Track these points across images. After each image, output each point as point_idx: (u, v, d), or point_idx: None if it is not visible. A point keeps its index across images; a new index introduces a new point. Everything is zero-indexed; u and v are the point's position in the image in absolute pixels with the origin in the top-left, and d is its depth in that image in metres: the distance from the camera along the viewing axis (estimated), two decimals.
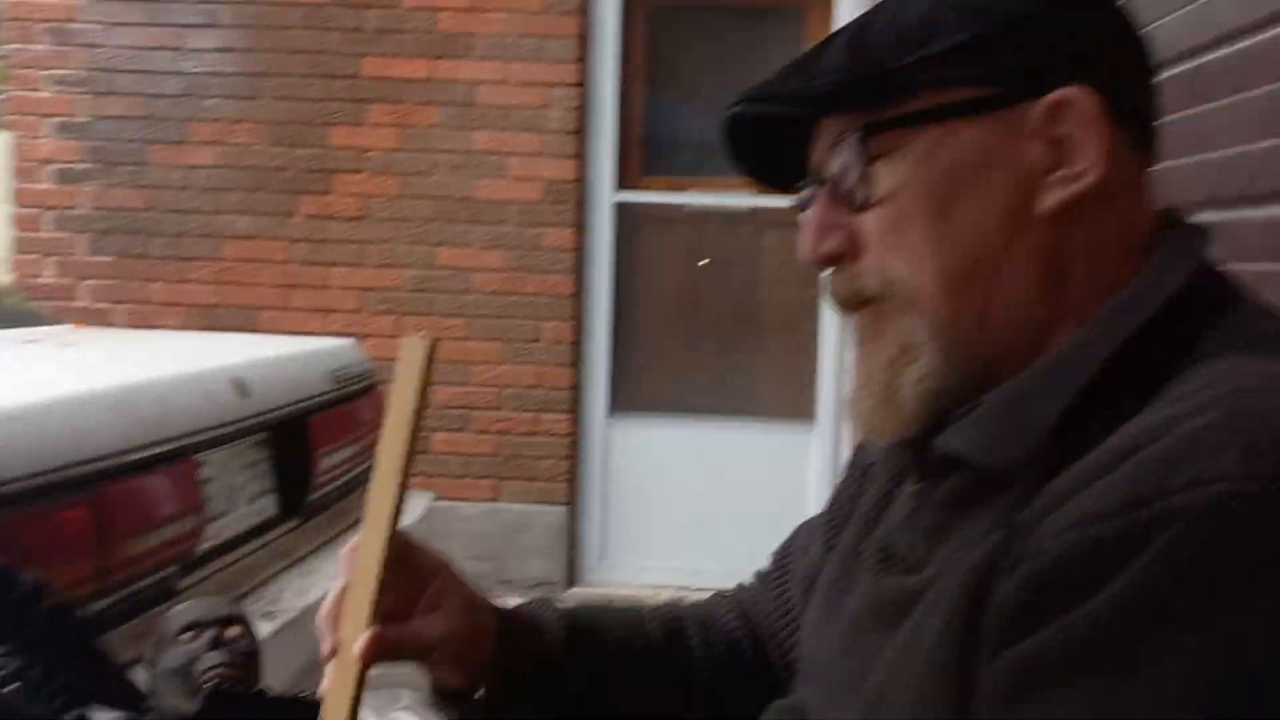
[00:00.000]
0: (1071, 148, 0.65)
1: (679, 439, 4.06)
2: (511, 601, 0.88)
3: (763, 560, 1.00)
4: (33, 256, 4.00)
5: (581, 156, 3.94)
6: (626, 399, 4.10)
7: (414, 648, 0.77)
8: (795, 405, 4.01)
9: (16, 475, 1.41)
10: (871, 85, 0.66)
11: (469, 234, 3.93)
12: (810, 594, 0.86)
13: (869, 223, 0.68)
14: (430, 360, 0.69)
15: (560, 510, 3.99)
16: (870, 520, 0.80)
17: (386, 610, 0.71)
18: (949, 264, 0.66)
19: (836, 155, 0.69)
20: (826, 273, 0.72)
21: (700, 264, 4.06)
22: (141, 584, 1.66)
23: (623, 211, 4.01)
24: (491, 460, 3.97)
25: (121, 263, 4.00)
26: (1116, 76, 0.66)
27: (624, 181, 4.01)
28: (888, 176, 0.67)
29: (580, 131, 3.92)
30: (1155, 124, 0.69)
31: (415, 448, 0.68)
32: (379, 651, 0.70)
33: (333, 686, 0.68)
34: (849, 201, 0.69)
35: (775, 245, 4.02)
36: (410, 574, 0.78)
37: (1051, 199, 0.65)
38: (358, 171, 3.93)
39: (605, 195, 4.00)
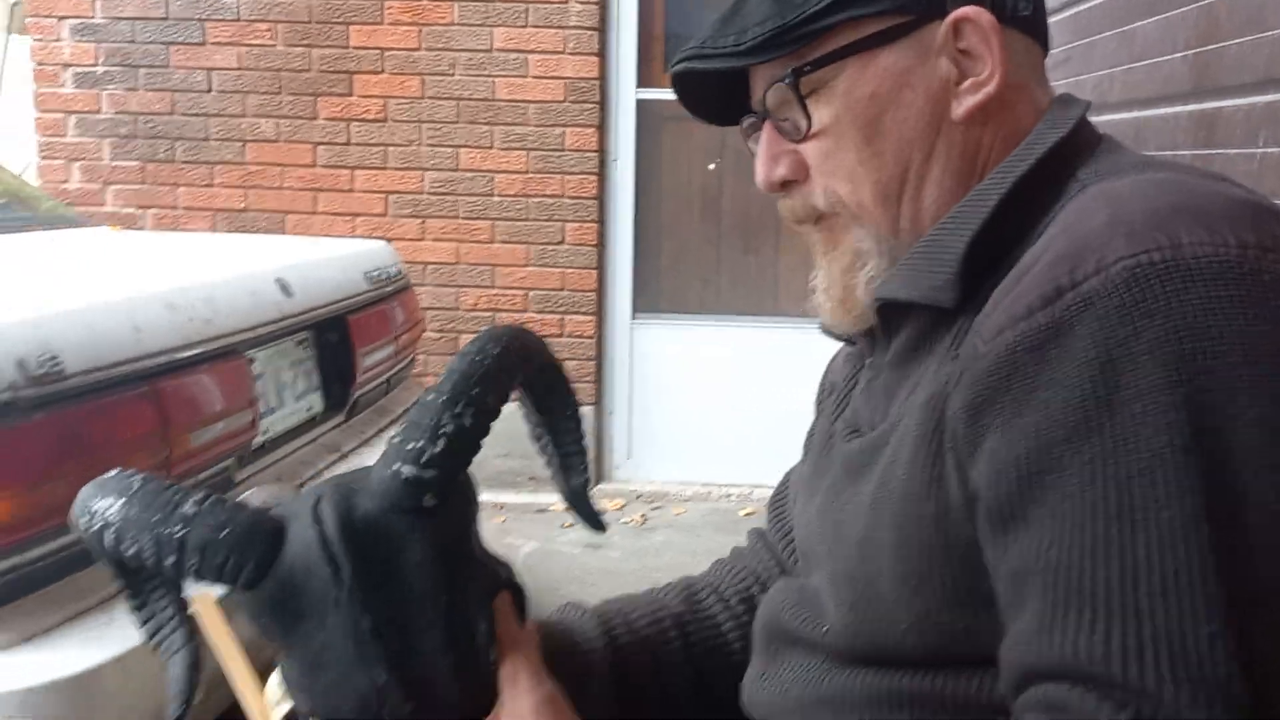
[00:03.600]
0: (975, 58, 0.75)
1: (703, 339, 4.08)
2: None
3: (785, 457, 1.05)
4: (58, 162, 3.99)
5: (602, 53, 3.89)
6: (650, 300, 4.12)
7: None
8: None
9: (81, 369, 1.45)
10: (791, 32, 0.75)
11: (490, 135, 3.90)
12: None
13: (810, 151, 0.79)
14: (219, 606, 0.75)
15: (587, 410, 4.05)
16: (836, 411, 0.89)
17: None
18: (882, 178, 0.76)
19: (772, 97, 0.78)
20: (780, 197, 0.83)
21: (710, 166, 4.03)
22: (202, 476, 1.71)
23: (645, 110, 3.97)
24: None
25: (147, 168, 3.99)
26: None
27: (646, 79, 3.96)
28: (819, 110, 0.77)
29: (601, 27, 3.86)
30: (1041, 21, 0.80)
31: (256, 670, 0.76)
32: None
33: None
34: (789, 135, 0.79)
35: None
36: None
37: (964, 105, 0.75)
38: (378, 72, 3.89)
39: (627, 93, 3.95)
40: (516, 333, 0.73)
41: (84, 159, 3.99)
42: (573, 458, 0.81)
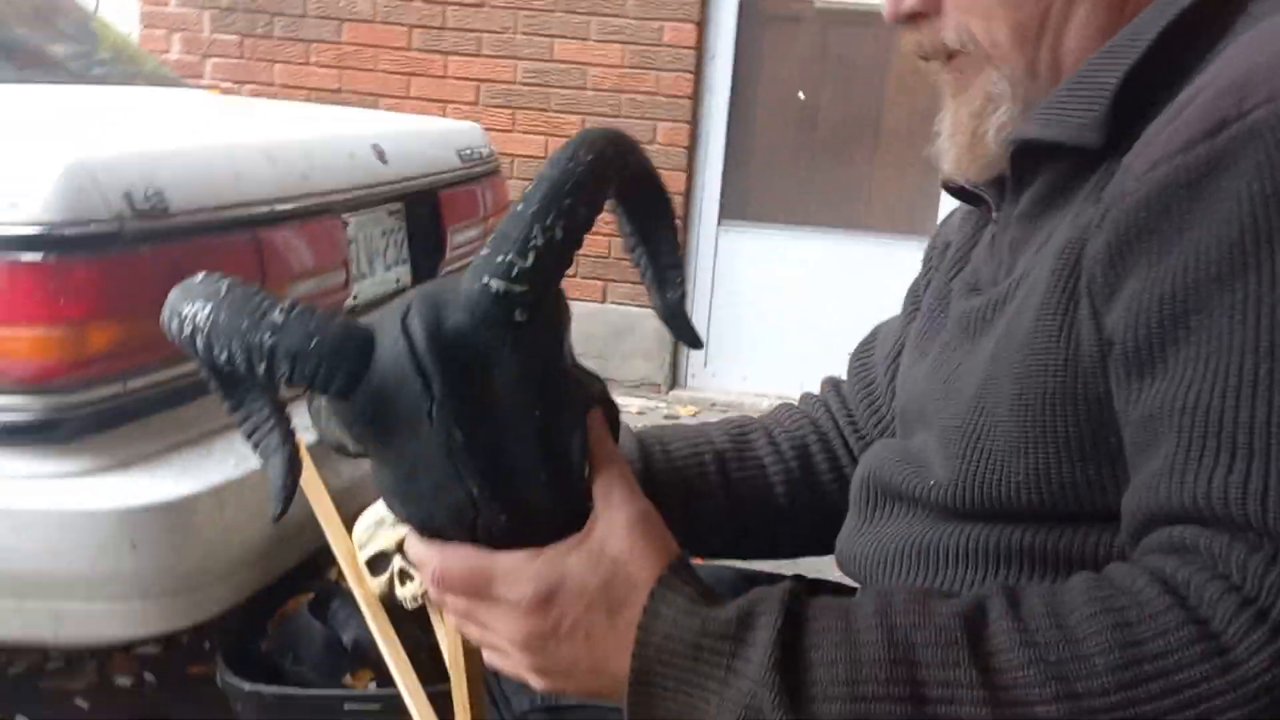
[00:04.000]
0: None
1: (789, 249, 4.02)
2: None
3: None
4: (159, 31, 4.03)
5: None
6: (739, 207, 4.06)
7: None
8: (911, 218, 3.92)
9: (184, 208, 1.47)
10: None
11: (587, 26, 3.83)
12: (898, 363, 0.90)
13: None
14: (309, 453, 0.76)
15: None
16: (954, 267, 0.85)
17: None
18: (1021, 16, 0.71)
19: None
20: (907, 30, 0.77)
21: (800, 95, 3.92)
22: None
23: (747, 7, 3.86)
24: (599, 262, 3.97)
25: (245, 42, 4.01)
26: None
27: None
28: None
29: None
30: None
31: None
32: None
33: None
34: None
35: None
36: None
37: None
38: None
39: None
40: (612, 137, 0.67)
41: (185, 30, 4.02)
42: (668, 271, 0.77)
